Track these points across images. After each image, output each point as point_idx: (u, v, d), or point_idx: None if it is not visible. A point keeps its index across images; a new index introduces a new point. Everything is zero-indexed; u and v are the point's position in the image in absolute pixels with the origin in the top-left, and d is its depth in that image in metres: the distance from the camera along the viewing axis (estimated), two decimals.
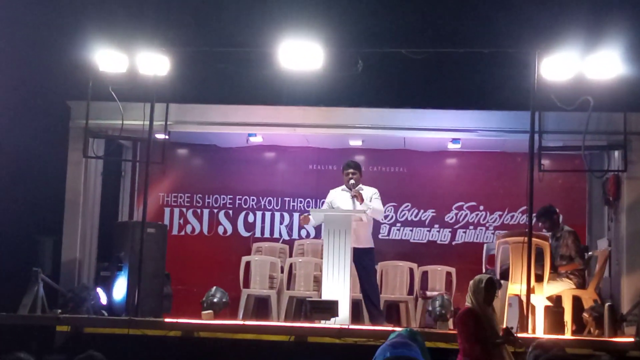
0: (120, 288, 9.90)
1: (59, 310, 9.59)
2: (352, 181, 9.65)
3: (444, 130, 11.22)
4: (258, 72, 10.32)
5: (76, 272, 10.79)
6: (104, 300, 9.97)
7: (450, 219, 12.44)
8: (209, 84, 11.22)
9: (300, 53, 9.82)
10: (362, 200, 9.50)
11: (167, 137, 10.98)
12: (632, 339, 8.78)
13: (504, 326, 7.55)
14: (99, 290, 10.08)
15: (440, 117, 11.07)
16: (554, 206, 10.02)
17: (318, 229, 11.09)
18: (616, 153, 10.29)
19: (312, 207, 10.99)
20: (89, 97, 10.14)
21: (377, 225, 12.12)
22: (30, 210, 10.80)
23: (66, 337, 9.23)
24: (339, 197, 9.81)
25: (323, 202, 10.15)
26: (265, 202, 12.76)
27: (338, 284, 9.15)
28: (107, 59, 9.95)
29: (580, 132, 9.70)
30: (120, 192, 12.51)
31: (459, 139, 11.42)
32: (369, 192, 9.72)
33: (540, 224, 9.99)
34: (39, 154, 10.87)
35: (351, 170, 9.73)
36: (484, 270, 10.50)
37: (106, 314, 9.76)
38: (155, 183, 12.18)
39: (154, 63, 9.94)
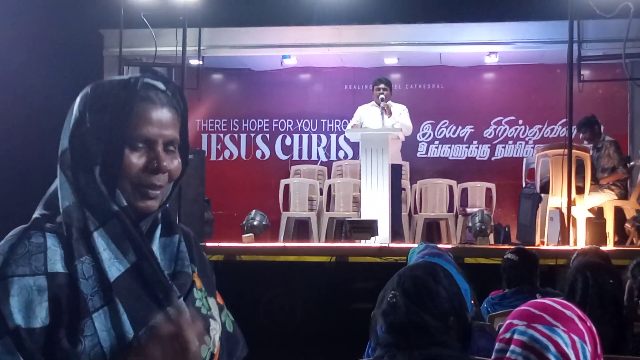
0: None
1: None
2: (381, 96, 9.62)
3: (480, 44, 11.07)
4: None
5: None
6: None
7: (489, 135, 12.31)
8: (240, 7, 11.09)
9: None
10: (390, 114, 9.55)
11: (201, 62, 10.93)
12: None
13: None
14: None
15: (477, 31, 10.90)
16: (595, 116, 9.86)
17: (356, 149, 11.04)
18: None
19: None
20: (122, 24, 10.10)
21: (415, 143, 12.11)
22: None
23: None
24: (367, 113, 9.85)
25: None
26: (302, 124, 12.72)
27: (377, 203, 9.15)
28: None
29: (621, 39, 9.44)
30: None
31: (496, 52, 11.24)
32: (398, 109, 9.74)
33: (581, 134, 9.85)
34: (75, 85, 10.86)
35: (382, 86, 9.72)
36: (523, 185, 10.42)
37: None
38: (191, 109, 12.02)
39: None
